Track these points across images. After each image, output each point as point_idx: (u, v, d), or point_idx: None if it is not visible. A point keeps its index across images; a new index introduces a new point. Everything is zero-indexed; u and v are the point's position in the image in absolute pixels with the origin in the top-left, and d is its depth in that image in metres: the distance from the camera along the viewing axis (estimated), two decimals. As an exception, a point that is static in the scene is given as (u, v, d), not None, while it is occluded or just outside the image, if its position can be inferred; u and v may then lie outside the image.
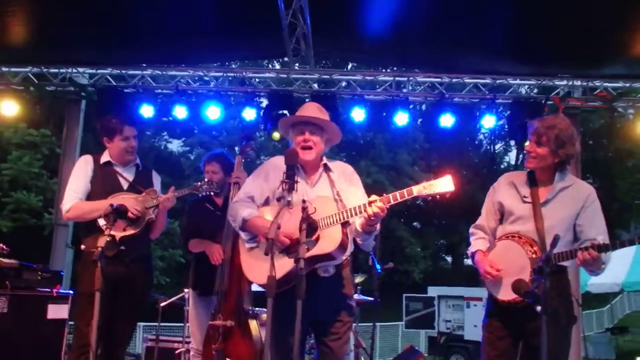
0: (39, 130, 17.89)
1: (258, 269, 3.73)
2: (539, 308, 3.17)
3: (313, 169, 3.99)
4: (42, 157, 18.53)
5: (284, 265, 3.54)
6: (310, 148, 3.88)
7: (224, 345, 4.57)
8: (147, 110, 8.70)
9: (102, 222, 4.35)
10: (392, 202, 3.49)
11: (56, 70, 9.02)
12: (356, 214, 3.57)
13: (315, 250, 3.52)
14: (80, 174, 4.61)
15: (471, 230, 4.21)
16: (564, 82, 8.85)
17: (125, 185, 4.64)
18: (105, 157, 4.69)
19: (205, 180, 4.89)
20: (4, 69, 8.95)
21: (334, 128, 4.02)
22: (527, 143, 4.04)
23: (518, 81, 9.08)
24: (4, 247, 5.47)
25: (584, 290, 12.92)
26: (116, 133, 4.63)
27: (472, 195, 26.20)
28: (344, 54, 11.19)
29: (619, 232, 27.47)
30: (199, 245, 5.23)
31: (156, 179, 4.87)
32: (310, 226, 3.42)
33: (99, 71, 9.08)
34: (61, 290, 5.63)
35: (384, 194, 3.52)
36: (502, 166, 37.54)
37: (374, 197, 3.52)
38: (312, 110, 4.05)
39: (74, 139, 9.51)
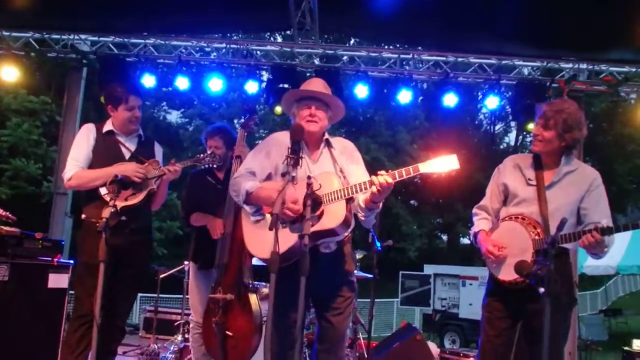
0: (38, 97, 17.77)
1: (261, 243, 3.73)
2: (541, 290, 3.16)
3: (315, 144, 3.99)
4: (41, 124, 18.44)
5: (287, 240, 3.54)
6: (315, 122, 3.88)
7: (223, 318, 4.58)
8: (148, 80, 8.65)
9: (103, 191, 4.33)
10: (398, 178, 3.48)
11: (58, 37, 8.95)
12: (361, 190, 3.56)
13: (319, 226, 3.52)
14: (82, 143, 4.55)
15: (474, 210, 4.23)
16: (570, 65, 8.84)
17: (127, 155, 4.60)
18: (108, 126, 4.64)
19: (208, 152, 4.85)
20: (4, 33, 8.86)
21: (339, 105, 4.04)
22: (531, 125, 4.04)
23: (523, 62, 9.04)
24: (10, 215, 5.44)
25: (579, 272, 13.00)
26: (121, 102, 4.58)
27: (470, 175, 26.23)
28: (350, 30, 11.10)
29: (616, 216, 27.51)
30: (200, 219, 5.22)
31: (158, 150, 4.84)
32: (314, 202, 3.41)
33: (101, 39, 9.01)
34: (62, 260, 5.61)
35: (389, 170, 3.51)
36: (502, 147, 37.56)
37: (382, 172, 3.50)
38: (318, 85, 4.04)
39: (75, 106, 9.46)
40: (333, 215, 3.56)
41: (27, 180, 18.02)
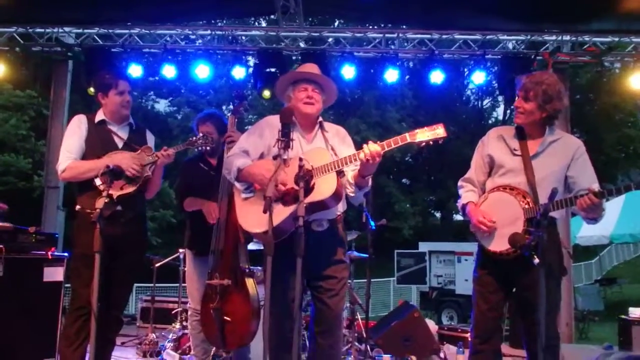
0: (25, 92, 17.64)
1: (252, 217, 3.78)
2: (536, 261, 3.21)
3: (310, 126, 4.04)
4: (29, 118, 18.31)
5: (279, 213, 3.58)
6: (312, 104, 3.95)
7: (221, 304, 4.58)
8: (135, 70, 8.64)
9: (97, 181, 4.31)
10: (387, 148, 3.57)
11: (42, 30, 8.90)
12: (350, 162, 3.64)
13: (310, 198, 3.56)
14: (74, 134, 4.50)
15: (460, 183, 4.26)
16: (553, 37, 8.91)
17: (120, 144, 4.57)
18: (99, 116, 4.59)
19: (201, 135, 4.82)
20: (-13, 30, 8.80)
21: (333, 88, 4.11)
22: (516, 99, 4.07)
23: (507, 37, 9.09)
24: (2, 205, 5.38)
25: (573, 242, 13.07)
26: (111, 87, 4.54)
27: (460, 151, 26.27)
28: (334, 11, 11.10)
29: (606, 185, 27.67)
30: (194, 203, 5.20)
31: (150, 138, 4.79)
32: (306, 180, 3.47)
33: (85, 31, 8.97)
34: (56, 253, 5.58)
35: (378, 141, 3.60)
36: (490, 122, 37.59)
37: (370, 142, 3.59)
38: (313, 69, 4.11)
39: (62, 99, 9.45)
40: (324, 188, 3.61)
41: (18, 175, 17.94)
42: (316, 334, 3.89)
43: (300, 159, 3.39)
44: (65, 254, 5.51)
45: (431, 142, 3.55)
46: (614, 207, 15.07)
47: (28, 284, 5.24)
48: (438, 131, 3.52)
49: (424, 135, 3.52)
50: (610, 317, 12.44)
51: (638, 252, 30.10)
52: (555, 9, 7.97)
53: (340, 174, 3.68)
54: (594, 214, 3.70)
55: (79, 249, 4.34)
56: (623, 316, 7.79)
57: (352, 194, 3.86)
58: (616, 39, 8.80)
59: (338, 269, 3.91)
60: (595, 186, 3.67)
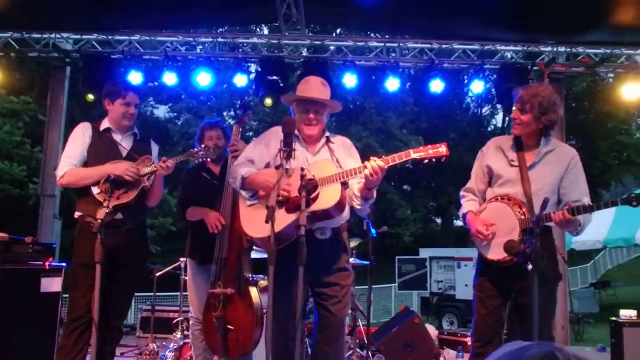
0: (19, 97, 17.39)
1: (257, 224, 3.79)
2: (529, 267, 3.28)
3: (316, 140, 4.10)
4: (23, 125, 18.04)
5: (282, 219, 3.61)
6: (314, 126, 4.01)
7: (224, 313, 4.59)
8: (135, 77, 8.57)
9: (95, 190, 4.31)
10: (391, 163, 3.62)
11: (39, 36, 8.83)
12: (355, 174, 3.70)
13: (314, 207, 3.61)
14: (77, 141, 4.51)
15: (461, 193, 4.35)
16: (549, 48, 9.06)
17: (123, 154, 4.57)
18: (105, 124, 4.62)
19: (202, 146, 4.81)
20: (-19, 35, 8.72)
21: (335, 105, 4.17)
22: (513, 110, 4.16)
23: (505, 47, 9.22)
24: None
25: (568, 247, 13.13)
26: (119, 96, 4.57)
27: (461, 157, 26.32)
28: (335, 19, 11.10)
29: (600, 191, 28.73)
30: (196, 213, 5.17)
31: (154, 148, 4.80)
32: (309, 188, 3.50)
33: (84, 37, 8.90)
34: (53, 263, 5.52)
35: (382, 156, 3.65)
36: (490, 129, 37.71)
37: (374, 157, 3.63)
38: (316, 87, 4.11)
39: (59, 106, 9.37)
40: (328, 197, 3.67)
41: (12, 182, 17.67)
42: (319, 341, 3.92)
43: (302, 169, 3.44)
44: (63, 264, 5.47)
45: (433, 160, 3.64)
46: (607, 212, 15.06)
47: (25, 295, 5.19)
48: (441, 149, 3.62)
49: (427, 152, 3.62)
50: (605, 319, 12.46)
51: (631, 255, 30.76)
52: (551, 21, 8.14)
53: (344, 185, 3.74)
54: (569, 229, 3.83)
55: (79, 258, 4.31)
56: (614, 318, 7.80)
57: (358, 207, 3.90)
58: (609, 51, 8.97)
59: (341, 277, 3.95)
60: (586, 200, 3.79)
